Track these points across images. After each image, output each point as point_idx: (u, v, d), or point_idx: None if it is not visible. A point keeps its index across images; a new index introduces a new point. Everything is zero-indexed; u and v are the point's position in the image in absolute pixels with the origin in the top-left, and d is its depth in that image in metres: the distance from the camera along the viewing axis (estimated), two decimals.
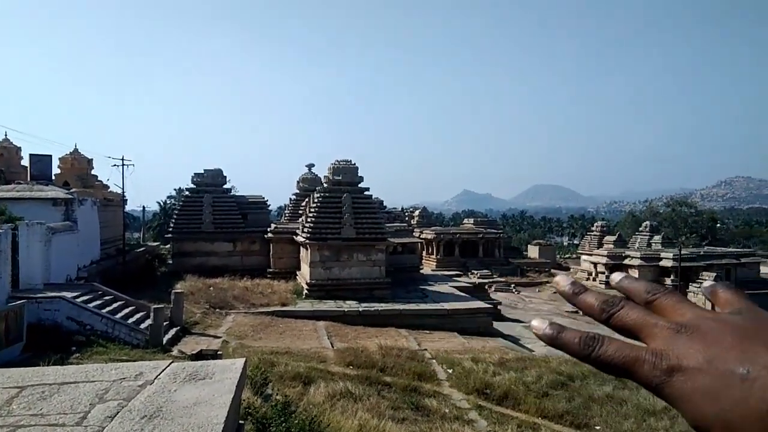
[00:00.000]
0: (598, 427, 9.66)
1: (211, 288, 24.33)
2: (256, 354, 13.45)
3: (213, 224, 31.69)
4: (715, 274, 38.16)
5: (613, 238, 51.75)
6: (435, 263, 52.29)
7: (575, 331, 0.69)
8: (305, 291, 24.64)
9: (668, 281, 41.22)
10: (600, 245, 51.95)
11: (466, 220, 68.83)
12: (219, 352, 13.45)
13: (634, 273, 43.70)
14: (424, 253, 55.60)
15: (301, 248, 27.66)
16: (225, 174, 34.25)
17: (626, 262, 44.48)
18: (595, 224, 64.86)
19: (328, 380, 11.23)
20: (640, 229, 54.48)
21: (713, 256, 45.37)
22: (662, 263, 42.73)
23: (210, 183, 33.35)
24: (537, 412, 10.17)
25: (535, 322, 0.73)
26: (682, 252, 40.01)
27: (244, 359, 4.09)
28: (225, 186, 34.37)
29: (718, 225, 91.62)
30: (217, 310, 21.52)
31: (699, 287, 37.56)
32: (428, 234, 55.24)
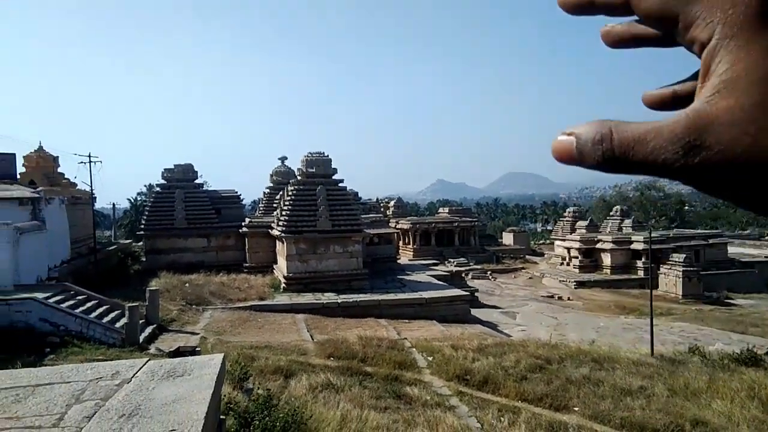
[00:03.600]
0: (576, 408, 9.84)
1: (187, 284, 24.00)
2: (236, 349, 13.34)
3: (186, 220, 31.23)
4: (684, 255, 39.09)
5: (585, 223, 52.59)
6: (412, 253, 52.47)
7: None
8: (283, 284, 24.50)
9: (640, 263, 42.20)
10: (573, 231, 52.72)
11: (441, 209, 69.15)
12: (197, 349, 13.30)
13: (607, 257, 44.68)
14: (401, 243, 55.77)
15: (277, 242, 27.46)
16: (196, 169, 33.71)
17: (599, 246, 45.33)
18: (567, 210, 65.85)
19: (309, 372, 11.23)
20: (611, 213, 55.56)
21: (682, 238, 46.58)
22: (633, 246, 43.64)
23: (181, 178, 32.80)
24: (517, 396, 10.31)
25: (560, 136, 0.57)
26: (652, 235, 40.84)
27: (222, 354, 4.04)
28: (196, 181, 33.83)
29: (686, 207, 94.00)
30: (194, 306, 21.26)
31: (669, 268, 38.58)
32: (404, 224, 55.36)
